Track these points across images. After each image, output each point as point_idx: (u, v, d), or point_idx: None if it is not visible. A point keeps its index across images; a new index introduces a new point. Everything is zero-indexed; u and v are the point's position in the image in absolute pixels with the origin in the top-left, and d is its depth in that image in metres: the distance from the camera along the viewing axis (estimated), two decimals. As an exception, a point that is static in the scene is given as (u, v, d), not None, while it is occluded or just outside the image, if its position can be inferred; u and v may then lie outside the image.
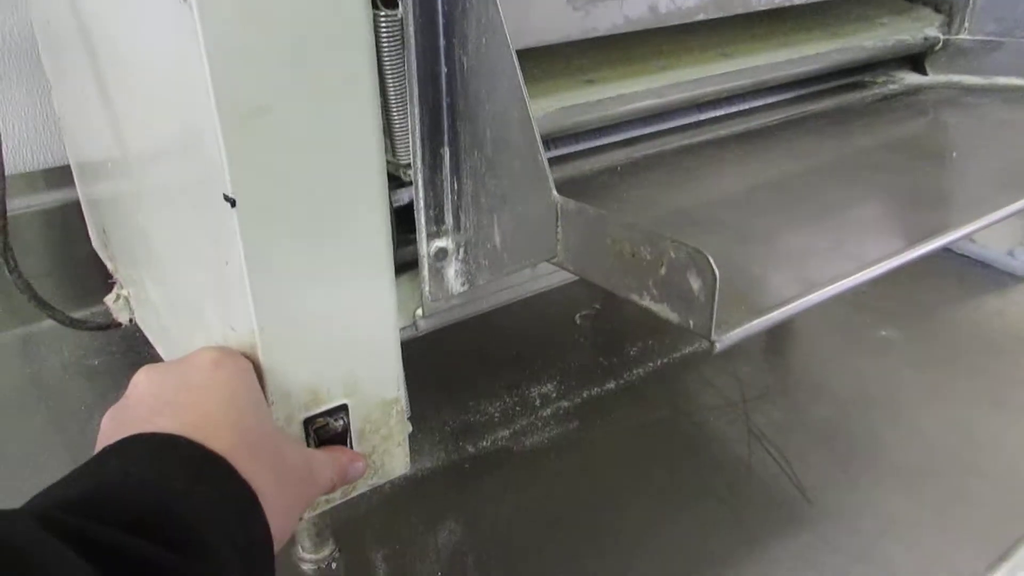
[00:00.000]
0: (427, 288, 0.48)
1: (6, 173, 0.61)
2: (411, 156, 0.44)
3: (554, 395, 0.78)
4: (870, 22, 0.84)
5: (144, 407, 0.40)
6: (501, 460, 0.70)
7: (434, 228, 0.47)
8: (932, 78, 0.88)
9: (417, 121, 0.43)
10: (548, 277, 0.61)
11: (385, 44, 0.41)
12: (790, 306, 0.41)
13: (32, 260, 0.86)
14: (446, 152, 0.45)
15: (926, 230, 0.51)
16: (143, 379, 0.42)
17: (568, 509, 0.65)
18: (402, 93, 0.43)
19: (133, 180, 0.57)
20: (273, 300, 0.41)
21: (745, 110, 0.75)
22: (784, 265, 0.48)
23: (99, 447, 0.38)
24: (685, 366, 0.83)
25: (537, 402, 0.77)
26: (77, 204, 0.83)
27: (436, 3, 0.42)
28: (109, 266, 0.76)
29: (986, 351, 0.86)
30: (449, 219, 0.47)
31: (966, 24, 0.87)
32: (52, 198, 0.88)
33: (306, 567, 0.59)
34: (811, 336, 0.89)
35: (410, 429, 0.52)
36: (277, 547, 0.39)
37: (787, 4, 0.73)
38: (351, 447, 0.48)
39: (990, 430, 0.74)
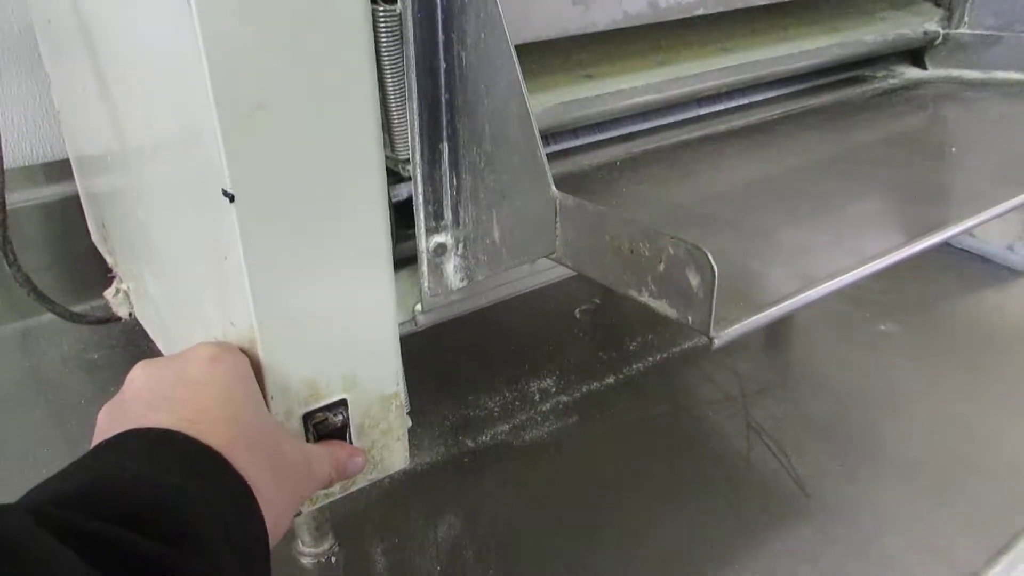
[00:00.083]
0: (426, 283, 0.48)
1: (5, 167, 0.61)
2: (410, 151, 0.44)
3: (553, 390, 0.78)
4: (870, 16, 0.84)
5: (140, 402, 0.40)
6: (500, 455, 0.70)
7: (433, 223, 0.47)
8: (932, 72, 0.88)
9: (416, 116, 0.43)
10: (547, 272, 0.62)
11: (384, 39, 0.41)
12: (789, 302, 0.41)
13: (32, 254, 0.86)
14: (445, 147, 0.45)
15: (925, 225, 0.51)
16: (140, 374, 0.42)
17: (567, 504, 0.65)
18: (401, 88, 0.42)
19: (132, 175, 0.57)
20: (272, 295, 0.41)
21: (745, 105, 0.75)
22: (783, 261, 0.48)
23: (95, 442, 0.38)
24: (684, 361, 0.83)
25: (536, 397, 0.77)
26: (77, 198, 0.83)
27: (435, -2, 0.42)
28: (109, 260, 0.76)
29: (985, 345, 0.86)
30: (448, 214, 0.47)
31: (966, 18, 0.87)
32: (52, 192, 0.88)
33: (306, 561, 0.59)
34: (810, 330, 0.89)
35: (409, 424, 0.52)
36: (273, 541, 0.39)
37: (787, -2, 0.73)
38: (350, 442, 0.48)
39: (989, 424, 0.74)
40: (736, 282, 0.42)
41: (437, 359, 0.83)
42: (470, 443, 0.71)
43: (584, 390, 0.78)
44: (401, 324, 0.50)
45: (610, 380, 0.80)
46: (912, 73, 0.88)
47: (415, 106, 0.43)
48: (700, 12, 0.66)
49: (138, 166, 0.54)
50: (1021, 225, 0.98)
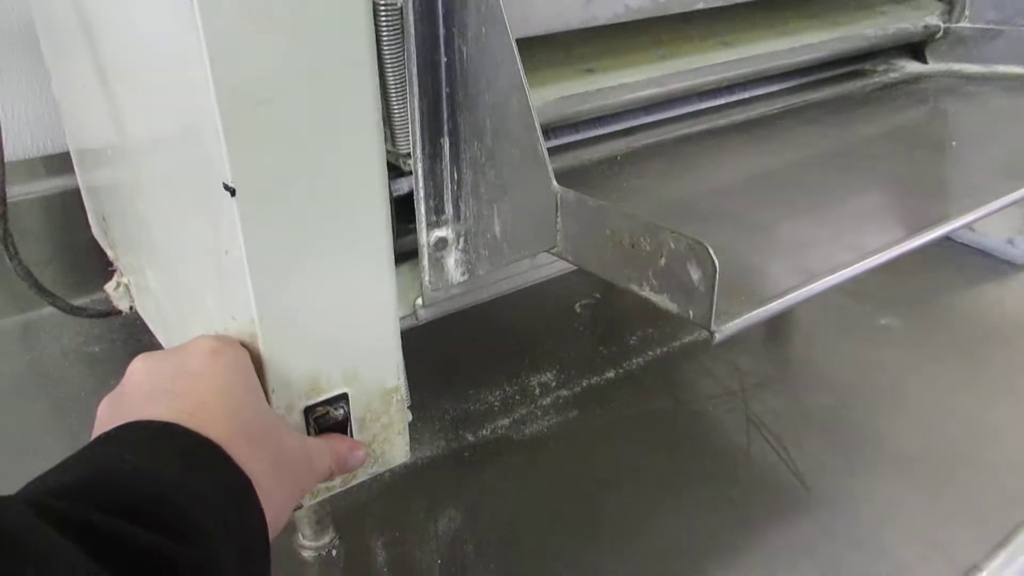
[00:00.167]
0: (427, 277, 0.48)
1: (6, 160, 0.61)
2: (411, 146, 0.44)
3: (554, 384, 0.78)
4: (871, 10, 0.84)
5: (140, 394, 0.40)
6: (501, 449, 0.70)
7: (434, 218, 0.47)
8: (932, 66, 0.88)
9: (417, 110, 0.43)
10: (548, 267, 0.62)
11: (385, 33, 0.41)
12: (789, 297, 0.41)
13: (32, 247, 0.86)
14: (446, 142, 0.45)
15: (926, 219, 0.51)
16: (140, 367, 0.42)
17: (567, 497, 0.65)
18: (402, 83, 0.42)
19: (133, 168, 0.56)
20: (273, 290, 0.41)
21: (745, 99, 0.75)
22: (784, 255, 0.48)
23: (95, 434, 0.38)
24: (684, 355, 0.83)
25: (537, 391, 0.77)
26: (77, 191, 0.83)
27: (436, -8, 0.42)
28: (109, 254, 0.76)
29: (985, 339, 0.87)
30: (449, 209, 0.47)
31: (966, 12, 0.87)
32: (52, 185, 0.87)
33: (306, 554, 0.59)
34: (810, 324, 0.89)
35: (410, 418, 0.52)
36: (273, 534, 0.39)
37: (788, -8, 0.73)
38: (351, 436, 0.49)
39: (988, 418, 0.74)
40: (737, 276, 0.42)
41: (438, 353, 0.83)
42: (470, 437, 0.71)
43: (584, 384, 0.78)
44: (402, 318, 0.50)
45: (610, 374, 0.80)
46: (912, 67, 0.88)
47: (416, 100, 0.43)
48: (700, 6, 0.66)
49: (139, 160, 0.54)
50: (1021, 219, 0.99)
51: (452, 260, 0.49)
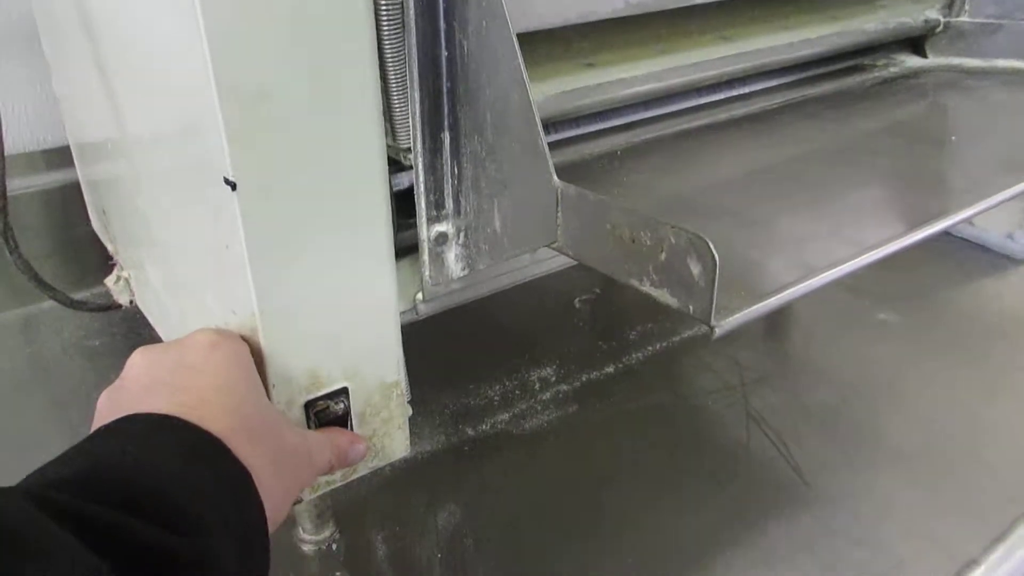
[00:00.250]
0: (427, 272, 0.49)
1: (6, 153, 0.61)
2: (411, 140, 0.44)
3: (553, 379, 0.78)
4: (870, 5, 0.84)
5: (139, 387, 0.40)
6: (501, 443, 0.70)
7: (434, 212, 0.47)
8: (932, 61, 0.88)
9: (417, 105, 0.43)
10: (548, 262, 0.62)
11: (385, 27, 0.41)
12: (789, 291, 0.41)
13: (32, 241, 0.86)
14: (446, 136, 0.45)
15: (925, 214, 0.51)
16: (139, 360, 0.42)
17: (567, 492, 0.65)
18: (402, 77, 0.42)
19: (133, 162, 0.56)
20: (273, 284, 0.41)
21: (745, 94, 0.75)
22: (783, 250, 0.48)
23: (95, 427, 0.38)
24: (684, 350, 0.83)
25: (537, 386, 0.77)
26: (77, 185, 0.83)
27: (437, -14, 0.42)
28: (109, 247, 0.76)
29: (985, 334, 0.87)
30: (449, 203, 0.47)
31: (966, 6, 0.87)
32: (52, 179, 0.87)
33: (307, 548, 0.59)
34: (810, 320, 0.89)
35: (410, 412, 0.52)
36: (273, 528, 0.39)
37: (788, -13, 0.73)
38: (352, 430, 0.49)
39: (988, 413, 0.74)
40: (736, 271, 0.42)
41: (438, 348, 0.83)
42: (470, 432, 0.71)
43: (584, 379, 0.78)
44: (402, 313, 0.50)
45: (610, 369, 0.80)
46: (912, 61, 0.88)
47: (417, 95, 0.43)
48: (700, 1, 0.66)
49: (139, 155, 0.54)
50: (1021, 213, 0.99)
51: (452, 255, 0.49)
